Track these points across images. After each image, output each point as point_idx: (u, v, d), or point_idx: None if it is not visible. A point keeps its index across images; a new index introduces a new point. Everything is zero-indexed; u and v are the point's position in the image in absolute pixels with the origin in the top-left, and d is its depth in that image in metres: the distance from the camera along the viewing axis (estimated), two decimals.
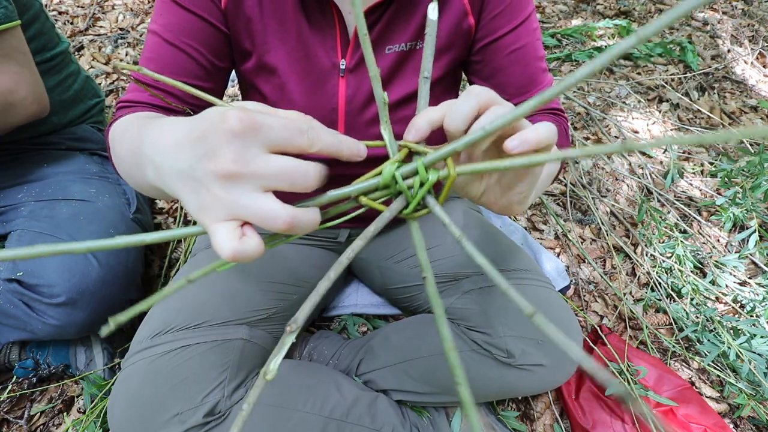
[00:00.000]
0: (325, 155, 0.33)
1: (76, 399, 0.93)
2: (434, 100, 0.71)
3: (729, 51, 2.04)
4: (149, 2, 2.08)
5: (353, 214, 0.39)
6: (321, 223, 0.34)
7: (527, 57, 0.68)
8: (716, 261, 1.24)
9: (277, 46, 0.64)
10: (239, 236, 0.31)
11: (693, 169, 1.53)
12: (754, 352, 1.01)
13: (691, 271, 1.21)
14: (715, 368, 1.03)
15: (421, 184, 0.35)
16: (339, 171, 0.53)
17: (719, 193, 1.43)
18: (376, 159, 0.71)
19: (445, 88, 0.73)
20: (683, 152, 1.58)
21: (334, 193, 0.35)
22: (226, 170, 0.30)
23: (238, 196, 0.30)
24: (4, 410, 0.90)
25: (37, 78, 0.87)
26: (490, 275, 0.32)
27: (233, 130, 0.30)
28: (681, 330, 1.10)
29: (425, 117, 0.36)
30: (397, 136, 0.72)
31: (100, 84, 1.63)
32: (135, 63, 1.77)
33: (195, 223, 0.35)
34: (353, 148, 0.35)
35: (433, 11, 0.37)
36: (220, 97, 0.71)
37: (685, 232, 1.32)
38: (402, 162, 0.35)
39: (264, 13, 0.62)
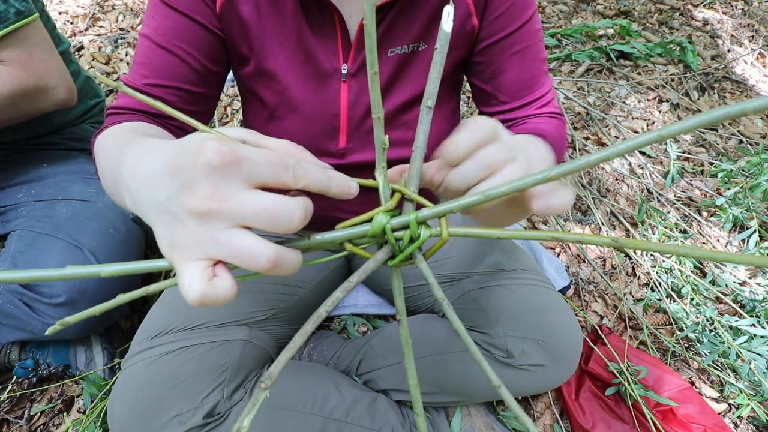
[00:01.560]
0: (313, 191, 0.31)
1: (76, 399, 0.93)
2: (439, 102, 0.71)
3: (729, 51, 2.04)
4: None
5: (334, 257, 0.38)
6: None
7: (529, 58, 0.67)
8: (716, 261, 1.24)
9: (276, 51, 0.63)
10: (209, 277, 0.28)
11: (693, 169, 1.53)
12: (754, 352, 1.01)
13: (691, 271, 1.21)
14: (715, 368, 1.03)
15: (411, 240, 0.33)
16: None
17: (719, 193, 1.43)
18: (368, 165, 0.71)
19: (446, 91, 0.72)
20: (683, 152, 1.58)
21: (318, 238, 0.33)
22: (201, 207, 0.27)
23: (215, 233, 0.28)
24: (4, 410, 0.90)
25: (64, 66, 0.89)
26: (470, 351, 0.32)
27: (211, 164, 0.27)
28: (681, 330, 1.10)
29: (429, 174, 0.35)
30: (397, 141, 0.72)
31: (99, 84, 1.63)
32: None
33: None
34: (343, 187, 0.32)
35: (447, 21, 0.32)
36: (215, 101, 0.70)
37: (685, 232, 1.32)
38: (393, 210, 0.34)
39: (262, 17, 0.60)
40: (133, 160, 0.32)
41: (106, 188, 0.50)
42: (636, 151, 1.54)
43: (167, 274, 1.12)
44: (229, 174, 0.28)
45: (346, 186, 0.33)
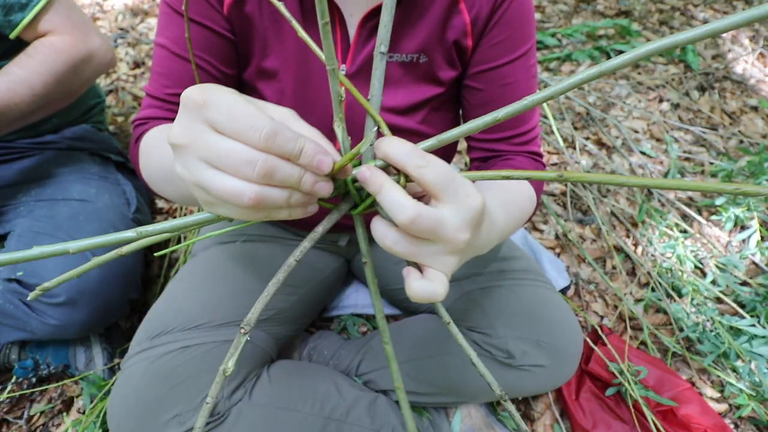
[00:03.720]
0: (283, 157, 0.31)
1: (75, 399, 0.93)
2: (436, 115, 0.71)
3: (729, 51, 2.04)
4: (149, 2, 2.07)
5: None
6: (295, 225, 0.35)
7: (519, 93, 0.66)
8: (716, 261, 1.24)
9: (276, 50, 0.63)
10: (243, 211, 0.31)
11: (693, 169, 1.53)
12: (755, 353, 1.01)
13: (692, 271, 1.21)
14: (715, 368, 1.03)
15: None
16: None
17: (719, 193, 1.43)
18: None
19: (448, 100, 0.71)
20: (684, 152, 1.58)
21: None
22: (173, 140, 0.31)
23: (197, 175, 0.30)
24: (4, 410, 0.90)
25: (98, 28, 0.89)
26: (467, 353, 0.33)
27: (185, 104, 0.31)
28: (681, 330, 1.10)
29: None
30: None
31: (99, 83, 1.63)
32: (135, 63, 1.77)
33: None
34: (312, 158, 0.31)
35: None
36: None
37: (685, 232, 1.32)
38: (354, 160, 0.35)
39: (264, 16, 0.60)
40: None
41: (160, 176, 0.53)
42: (636, 151, 1.54)
43: (166, 277, 1.12)
44: (197, 116, 0.30)
45: (315, 158, 0.31)
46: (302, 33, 0.35)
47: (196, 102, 0.30)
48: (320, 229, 0.36)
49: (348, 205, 0.37)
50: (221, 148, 0.29)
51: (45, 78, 0.80)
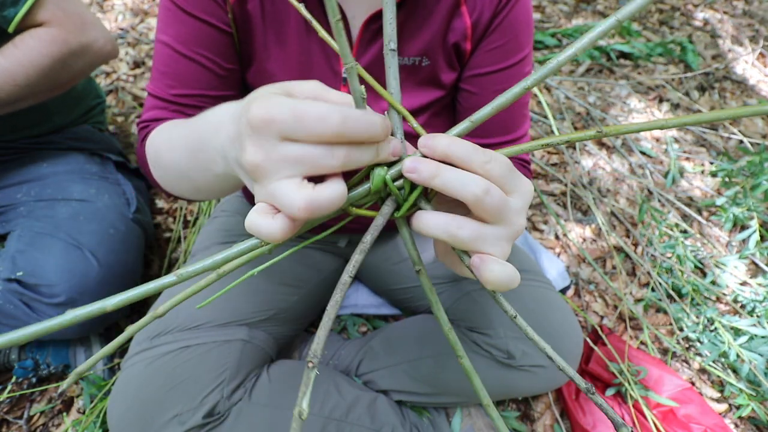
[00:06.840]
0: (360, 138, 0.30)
1: (75, 399, 0.93)
2: (438, 120, 0.70)
3: (729, 51, 2.04)
4: (149, 2, 2.07)
5: (340, 224, 0.38)
6: (308, 230, 0.33)
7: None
8: (716, 261, 1.24)
9: (277, 51, 0.62)
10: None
11: (693, 169, 1.53)
12: (755, 352, 1.01)
13: (692, 271, 1.21)
14: (715, 368, 1.03)
15: (413, 187, 0.33)
16: None
17: (719, 193, 1.43)
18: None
19: (449, 104, 0.71)
20: (684, 152, 1.58)
21: None
22: (249, 164, 0.31)
23: (267, 187, 0.31)
24: (4, 410, 0.90)
25: (98, 17, 0.88)
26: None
27: (250, 124, 0.30)
28: (681, 330, 1.10)
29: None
30: None
31: (99, 84, 1.63)
32: (135, 63, 1.77)
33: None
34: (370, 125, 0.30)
35: None
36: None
37: (685, 232, 1.32)
38: (389, 164, 0.33)
39: (266, 17, 0.60)
40: (212, 116, 0.41)
41: (173, 174, 0.52)
42: (636, 151, 1.54)
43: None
44: (265, 132, 0.30)
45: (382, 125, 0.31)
46: (322, 32, 0.34)
47: (264, 120, 0.30)
48: (368, 239, 0.34)
49: (390, 207, 0.35)
50: (291, 152, 0.30)
51: (28, 70, 0.79)
